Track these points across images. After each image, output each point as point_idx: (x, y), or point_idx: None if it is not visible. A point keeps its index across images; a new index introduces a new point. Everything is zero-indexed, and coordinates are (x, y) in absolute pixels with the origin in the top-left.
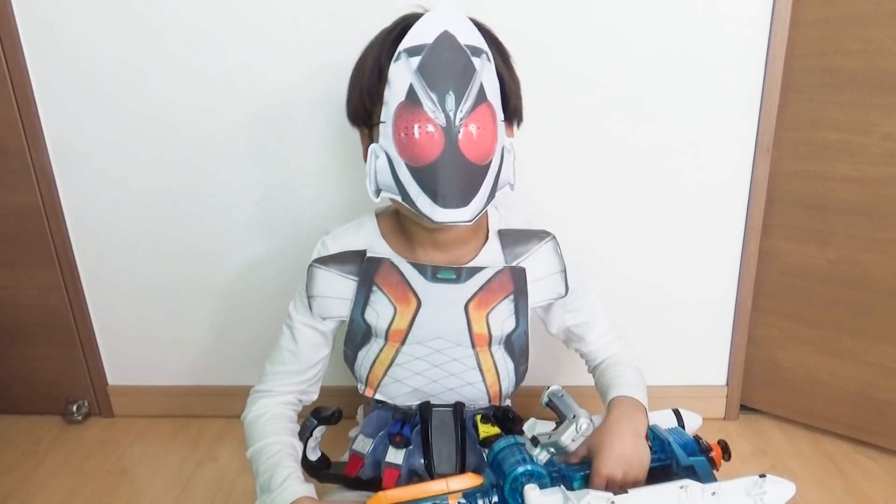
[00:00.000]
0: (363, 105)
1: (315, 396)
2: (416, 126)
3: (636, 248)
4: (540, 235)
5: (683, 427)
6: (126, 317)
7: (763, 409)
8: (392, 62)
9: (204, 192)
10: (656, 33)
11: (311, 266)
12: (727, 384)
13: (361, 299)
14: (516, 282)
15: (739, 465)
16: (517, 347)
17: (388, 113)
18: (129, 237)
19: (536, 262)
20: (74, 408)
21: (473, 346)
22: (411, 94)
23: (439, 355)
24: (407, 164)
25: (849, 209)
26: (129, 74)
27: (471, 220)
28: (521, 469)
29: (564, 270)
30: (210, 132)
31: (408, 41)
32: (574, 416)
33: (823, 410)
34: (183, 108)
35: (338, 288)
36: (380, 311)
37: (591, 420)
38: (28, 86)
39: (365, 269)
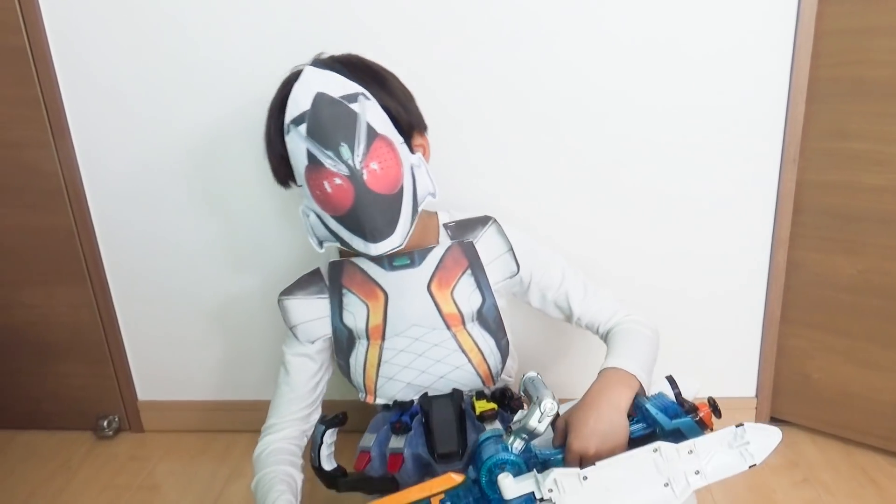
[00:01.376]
0: (280, 176)
1: (316, 418)
2: (325, 182)
3: (663, 261)
4: (483, 221)
5: (680, 394)
6: (156, 333)
7: (793, 421)
8: (285, 135)
9: (235, 208)
10: (681, 46)
11: (279, 301)
12: (756, 396)
13: (337, 305)
14: (469, 255)
15: (771, 478)
16: (491, 321)
17: (300, 177)
18: (159, 255)
19: (485, 246)
20: (105, 423)
21: (448, 327)
22: (311, 157)
23: (420, 343)
24: (332, 216)
25: (878, 219)
26: (158, 96)
27: (402, 244)
28: (492, 460)
29: (511, 249)
30: (238, 149)
31: (290, 113)
32: (538, 398)
33: (856, 422)
34: (211, 127)
35: (312, 310)
36: (355, 312)
37: (555, 400)
38: (60, 108)
39: (331, 275)
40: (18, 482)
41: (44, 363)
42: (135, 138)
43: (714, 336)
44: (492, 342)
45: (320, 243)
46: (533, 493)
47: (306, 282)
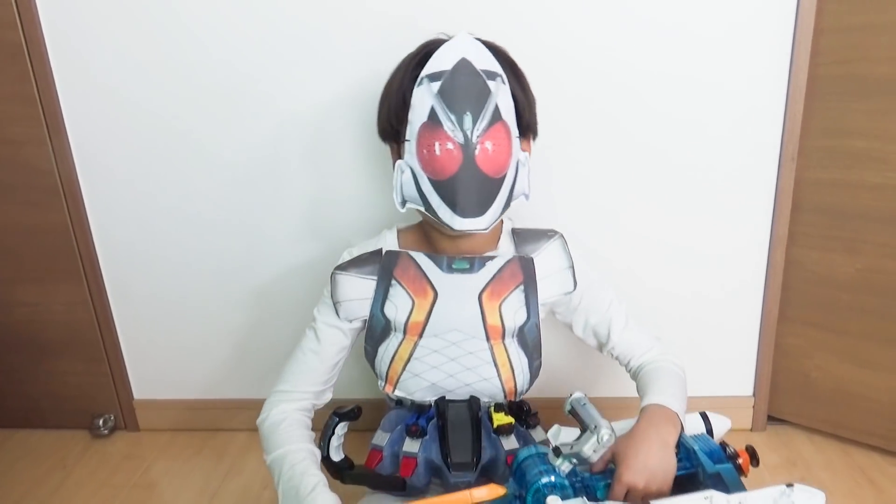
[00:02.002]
0: (391, 124)
1: (329, 397)
2: (436, 144)
3: (661, 259)
4: (549, 234)
5: (711, 430)
6: (152, 331)
7: (791, 420)
8: (415, 86)
9: (228, 206)
10: (680, 43)
11: (333, 273)
12: (754, 395)
13: (381, 294)
14: (525, 272)
15: (768, 476)
16: (530, 340)
17: (412, 132)
18: (155, 253)
19: (546, 260)
20: (101, 422)
21: (488, 338)
22: (432, 115)
23: (455, 348)
24: (429, 178)
25: (876, 217)
26: (155, 92)
27: (487, 228)
28: (543, 480)
29: (572, 266)
30: (235, 148)
31: (429, 67)
32: (595, 427)
33: (854, 421)
34: (208, 124)
35: (360, 290)
36: (398, 305)
37: (612, 430)
38: (57, 105)
39: (384, 263)
40: (14, 481)
41: (39, 361)
42: (132, 135)
43: (712, 334)
44: (525, 361)
45: (403, 203)
46: None
47: (364, 260)
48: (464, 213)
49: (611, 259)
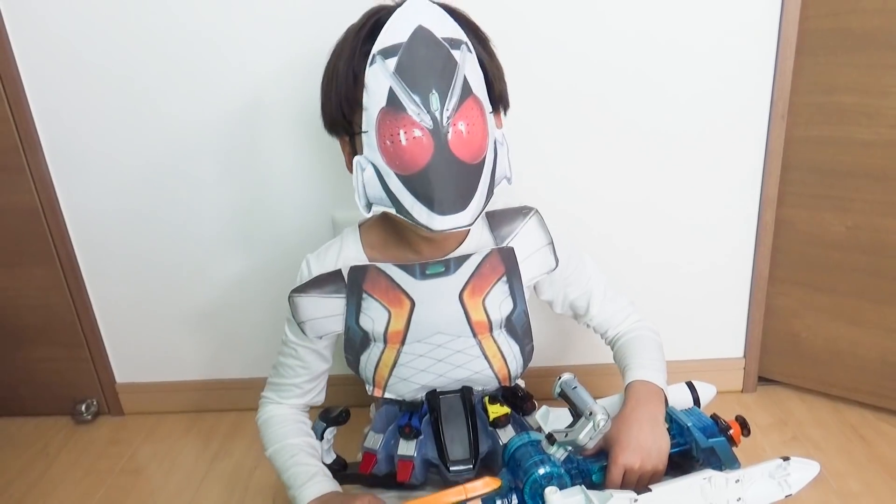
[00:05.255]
0: (342, 113)
1: (322, 399)
2: (401, 132)
3: (650, 222)
4: (524, 212)
5: (698, 399)
6: (131, 313)
7: (782, 380)
8: (367, 66)
9: (205, 181)
10: (666, 1)
11: (290, 297)
12: (744, 356)
13: (353, 308)
14: (507, 262)
15: (760, 437)
16: (519, 328)
17: (369, 121)
18: (130, 233)
19: (524, 240)
20: (83, 407)
21: (475, 334)
22: (392, 98)
23: (442, 350)
24: (396, 174)
25: (866, 174)
26: (124, 69)
27: (470, 224)
28: (540, 471)
29: (552, 243)
30: (208, 126)
31: (381, 42)
32: (591, 413)
33: (843, 379)
34: (180, 103)
35: (325, 308)
36: (374, 317)
37: (607, 414)
38: (18, 81)
39: (351, 278)
40: None
41: (17, 348)
42: (100, 109)
43: (702, 296)
44: (516, 348)
45: (368, 206)
46: None
47: (324, 281)
48: (443, 210)
49: (600, 223)
